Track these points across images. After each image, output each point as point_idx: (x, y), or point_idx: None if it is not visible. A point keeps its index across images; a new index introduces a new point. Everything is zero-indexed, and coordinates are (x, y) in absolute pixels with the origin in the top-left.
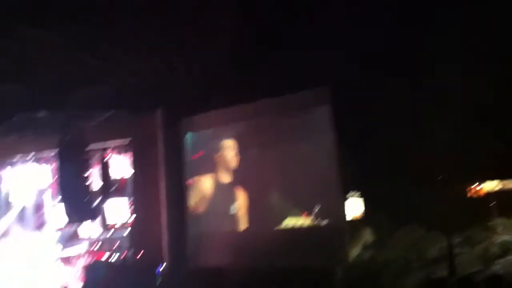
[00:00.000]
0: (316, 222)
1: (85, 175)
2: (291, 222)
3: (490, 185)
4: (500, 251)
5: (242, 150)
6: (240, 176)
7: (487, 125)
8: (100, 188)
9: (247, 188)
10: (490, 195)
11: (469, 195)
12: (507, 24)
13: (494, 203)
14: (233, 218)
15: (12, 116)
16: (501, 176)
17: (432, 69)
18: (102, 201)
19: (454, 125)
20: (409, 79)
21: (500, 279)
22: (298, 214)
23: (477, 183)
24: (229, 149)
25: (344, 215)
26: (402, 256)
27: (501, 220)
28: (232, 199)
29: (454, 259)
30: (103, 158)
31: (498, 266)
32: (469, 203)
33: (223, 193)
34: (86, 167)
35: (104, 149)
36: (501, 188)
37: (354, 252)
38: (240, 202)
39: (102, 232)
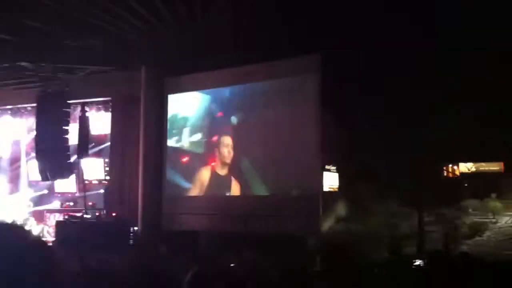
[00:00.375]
0: (295, 192)
1: (63, 130)
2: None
3: (465, 167)
4: (470, 231)
5: (227, 116)
6: (222, 140)
7: (465, 108)
8: (77, 144)
9: (228, 153)
10: (463, 176)
11: (444, 175)
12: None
13: (467, 184)
14: (211, 183)
15: None
16: (475, 159)
17: (422, 46)
18: (79, 158)
19: (433, 105)
20: (399, 55)
21: (467, 258)
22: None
23: (453, 164)
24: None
25: (321, 186)
26: (374, 229)
27: (472, 201)
28: (211, 163)
29: (424, 236)
30: (83, 113)
31: (466, 246)
32: (443, 183)
33: (201, 158)
34: (65, 122)
35: (85, 105)
36: (474, 170)
37: (328, 222)
38: (220, 167)
39: (77, 189)
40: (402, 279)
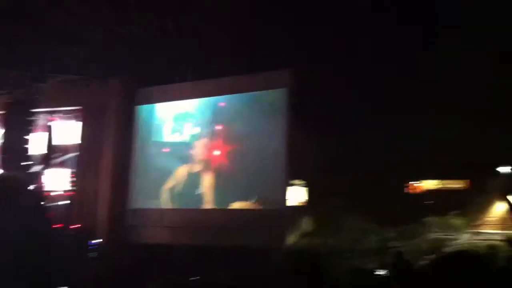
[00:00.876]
0: (259, 206)
1: (25, 140)
2: (236, 205)
3: (429, 184)
4: (431, 248)
5: (196, 128)
6: (189, 155)
7: (433, 126)
8: (43, 154)
9: (194, 166)
10: (428, 193)
11: (408, 191)
12: None
13: (431, 201)
14: (177, 197)
15: None
16: (440, 176)
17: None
18: (43, 168)
19: (401, 122)
20: (366, 70)
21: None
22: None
23: (417, 181)
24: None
25: (287, 201)
26: (337, 244)
27: (435, 218)
28: (178, 178)
29: (387, 252)
30: (49, 122)
31: (427, 262)
32: (408, 199)
33: (169, 171)
34: (30, 131)
35: (52, 114)
36: (438, 187)
37: (293, 237)
38: (184, 181)
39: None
40: None
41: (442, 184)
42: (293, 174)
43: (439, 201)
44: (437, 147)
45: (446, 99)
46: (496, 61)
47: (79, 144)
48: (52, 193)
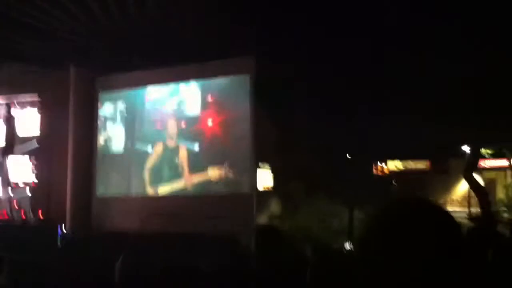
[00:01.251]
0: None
1: None
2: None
3: (393, 165)
4: None
5: (159, 114)
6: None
7: (397, 107)
8: (3, 144)
9: (162, 148)
10: (392, 174)
11: (374, 172)
12: None
13: (395, 182)
14: (141, 183)
15: None
16: (404, 157)
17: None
18: (4, 158)
19: (366, 104)
20: (332, 55)
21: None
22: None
23: (382, 162)
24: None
25: (255, 185)
26: (305, 225)
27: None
28: (142, 164)
29: (350, 233)
30: (9, 112)
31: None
32: (374, 180)
33: (136, 157)
34: None
35: (11, 103)
36: (402, 168)
37: (260, 220)
38: (154, 163)
39: (2, 190)
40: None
41: (405, 165)
42: (259, 158)
43: (402, 182)
44: (400, 130)
45: (413, 80)
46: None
47: (40, 134)
48: (15, 184)
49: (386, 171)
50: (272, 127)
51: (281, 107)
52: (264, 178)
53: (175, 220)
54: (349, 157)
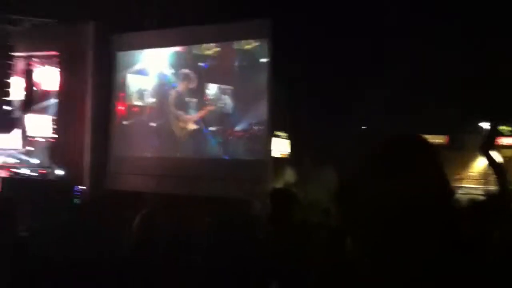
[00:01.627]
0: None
1: (5, 83)
2: None
3: None
4: None
5: (174, 77)
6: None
7: (411, 82)
8: (22, 99)
9: (173, 116)
10: None
11: None
12: None
13: None
14: (158, 145)
15: None
16: (421, 132)
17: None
18: (24, 113)
19: (380, 76)
20: (349, 23)
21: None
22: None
23: None
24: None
25: (270, 151)
26: (318, 196)
27: None
28: (160, 127)
29: None
30: (29, 67)
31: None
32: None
33: (152, 119)
34: (6, 74)
35: (30, 58)
36: None
37: (274, 187)
38: (172, 126)
39: (22, 146)
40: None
41: None
42: (275, 126)
43: None
44: (417, 104)
45: (428, 56)
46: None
47: (58, 90)
48: (33, 138)
49: None
50: (289, 94)
51: (299, 74)
52: (280, 146)
53: (190, 182)
54: (364, 129)
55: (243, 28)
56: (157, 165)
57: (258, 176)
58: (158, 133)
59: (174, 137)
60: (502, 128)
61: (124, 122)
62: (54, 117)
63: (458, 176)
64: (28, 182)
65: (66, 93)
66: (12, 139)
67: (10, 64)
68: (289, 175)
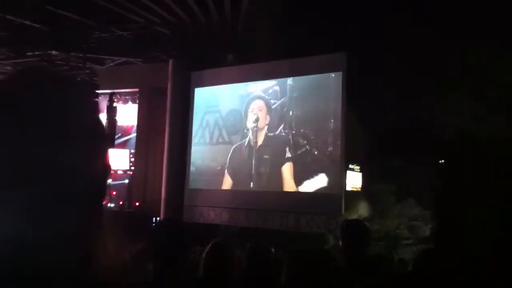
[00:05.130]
0: (314, 189)
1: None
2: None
3: None
4: None
5: (251, 112)
6: (245, 136)
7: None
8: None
9: (249, 149)
10: None
11: None
12: None
13: None
14: (234, 178)
15: (27, 53)
16: None
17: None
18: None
19: (458, 106)
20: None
21: None
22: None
23: None
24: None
25: (344, 185)
26: (394, 230)
27: None
28: (234, 159)
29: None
30: (111, 103)
31: None
32: None
33: (224, 152)
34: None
35: (112, 95)
36: None
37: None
38: (244, 164)
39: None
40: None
41: None
42: (349, 158)
43: None
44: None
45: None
46: None
47: (137, 126)
48: (114, 172)
49: None
50: (363, 126)
51: (373, 105)
52: (353, 179)
53: (262, 215)
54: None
55: (318, 62)
56: (231, 198)
57: (332, 210)
58: (233, 165)
59: (247, 170)
60: None
61: (198, 156)
62: (133, 151)
63: None
64: (108, 213)
65: (144, 127)
66: None
67: (96, 101)
68: (362, 209)
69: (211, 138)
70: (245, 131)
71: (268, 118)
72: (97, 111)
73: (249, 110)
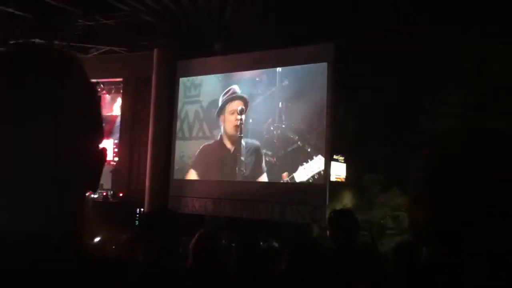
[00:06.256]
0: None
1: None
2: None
3: None
4: None
5: (236, 101)
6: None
7: (481, 101)
8: None
9: (234, 136)
10: None
11: None
12: None
13: None
14: (219, 169)
15: (6, 42)
16: None
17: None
18: None
19: (449, 96)
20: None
21: None
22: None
23: None
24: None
25: (328, 175)
26: (378, 221)
27: None
28: (220, 151)
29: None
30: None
31: None
32: None
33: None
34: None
35: (97, 84)
36: None
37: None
38: (227, 154)
39: None
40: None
41: None
42: (334, 149)
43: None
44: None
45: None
46: None
47: (121, 115)
48: None
49: None
50: (349, 117)
51: (359, 96)
52: (337, 169)
53: (247, 205)
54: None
55: (306, 52)
56: (215, 188)
57: (316, 200)
58: (216, 157)
59: (232, 161)
60: None
61: (183, 146)
62: (117, 141)
63: None
64: (91, 204)
65: (129, 117)
66: None
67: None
68: (347, 199)
69: (190, 132)
70: (229, 122)
71: (252, 110)
72: (95, 95)
73: (226, 111)
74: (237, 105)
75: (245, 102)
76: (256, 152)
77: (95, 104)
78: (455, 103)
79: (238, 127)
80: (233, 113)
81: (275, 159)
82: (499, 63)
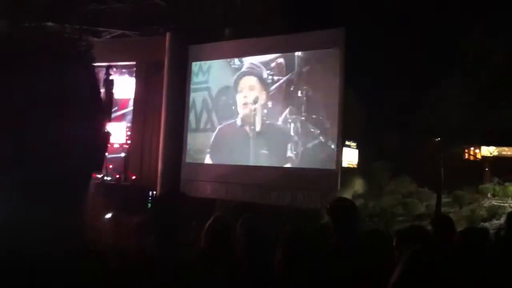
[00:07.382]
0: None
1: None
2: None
3: (487, 150)
4: (487, 214)
5: (240, 92)
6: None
7: (490, 91)
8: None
9: (246, 125)
10: (485, 160)
11: (465, 157)
12: None
13: (488, 168)
14: (230, 153)
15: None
16: (498, 143)
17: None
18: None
19: (461, 89)
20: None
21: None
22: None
23: (475, 147)
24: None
25: (340, 161)
26: (389, 208)
27: (493, 185)
28: (233, 136)
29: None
30: (108, 76)
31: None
32: (464, 165)
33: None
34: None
35: (109, 68)
36: (496, 154)
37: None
38: (240, 140)
39: None
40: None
41: (500, 151)
42: (346, 135)
43: (496, 168)
44: (495, 112)
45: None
46: None
47: (134, 99)
48: (110, 145)
49: (478, 156)
50: (361, 103)
51: (371, 83)
52: (349, 155)
53: (261, 190)
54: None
55: (317, 37)
56: (228, 173)
57: (328, 186)
58: (229, 140)
59: (245, 145)
60: None
61: (197, 130)
62: (129, 125)
63: None
64: (104, 187)
65: (141, 101)
66: None
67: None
68: (358, 185)
69: (197, 123)
70: (242, 107)
71: (266, 96)
72: (94, 83)
73: (239, 89)
74: (250, 81)
75: (260, 78)
76: (274, 138)
77: (97, 90)
78: (465, 90)
79: (252, 111)
80: (249, 90)
81: (289, 145)
82: None
